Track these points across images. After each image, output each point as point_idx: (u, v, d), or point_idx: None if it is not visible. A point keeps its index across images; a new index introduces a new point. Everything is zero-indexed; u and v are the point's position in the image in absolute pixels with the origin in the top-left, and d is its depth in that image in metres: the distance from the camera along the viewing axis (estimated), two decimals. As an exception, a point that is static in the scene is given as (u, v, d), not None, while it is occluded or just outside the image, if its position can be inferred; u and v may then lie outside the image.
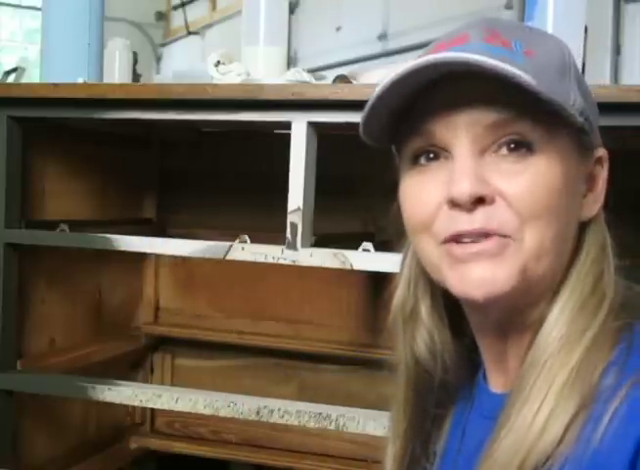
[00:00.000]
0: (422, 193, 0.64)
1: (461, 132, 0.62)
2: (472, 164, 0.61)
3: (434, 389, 0.75)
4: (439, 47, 0.64)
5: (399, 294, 0.75)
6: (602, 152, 0.68)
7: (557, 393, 0.59)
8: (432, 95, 0.62)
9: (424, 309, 0.73)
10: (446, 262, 0.63)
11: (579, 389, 0.59)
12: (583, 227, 0.67)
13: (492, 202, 0.61)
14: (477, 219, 0.61)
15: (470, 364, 0.75)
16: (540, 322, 0.64)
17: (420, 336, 0.73)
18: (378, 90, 0.62)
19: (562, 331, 0.62)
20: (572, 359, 0.60)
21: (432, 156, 0.64)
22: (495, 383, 0.72)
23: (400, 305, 0.75)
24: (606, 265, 0.66)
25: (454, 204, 0.61)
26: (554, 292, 0.65)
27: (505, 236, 0.61)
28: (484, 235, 0.61)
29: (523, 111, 0.60)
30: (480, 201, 0.61)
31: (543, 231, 0.61)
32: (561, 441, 0.57)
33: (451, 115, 0.62)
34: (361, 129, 0.66)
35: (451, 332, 0.73)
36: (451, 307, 0.73)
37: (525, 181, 0.61)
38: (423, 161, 0.65)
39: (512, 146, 0.61)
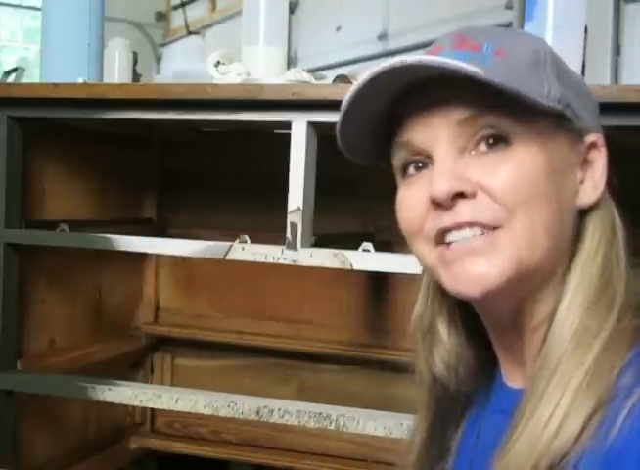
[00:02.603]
0: (411, 200, 0.66)
1: (436, 133, 0.63)
2: (450, 163, 0.62)
3: (451, 399, 0.76)
4: None
5: (417, 309, 0.77)
6: (595, 137, 0.67)
7: (572, 393, 0.59)
8: (406, 104, 0.64)
9: (440, 324, 0.74)
10: (440, 264, 0.65)
11: (595, 390, 0.59)
12: (585, 215, 0.66)
13: (474, 196, 0.62)
14: (461, 213, 0.62)
15: (487, 366, 0.75)
16: (551, 318, 0.64)
17: (437, 351, 0.74)
18: (344, 104, 0.63)
19: (572, 329, 0.62)
20: (587, 360, 0.60)
21: (420, 165, 0.66)
22: (512, 378, 0.72)
23: (418, 319, 0.76)
24: (614, 256, 0.65)
25: (436, 203, 0.62)
26: (560, 282, 0.65)
27: (495, 227, 0.62)
28: (470, 225, 0.62)
29: (491, 104, 0.61)
30: (460, 196, 0.62)
31: (533, 216, 0.61)
32: (576, 441, 0.58)
33: (425, 118, 0.63)
34: (339, 140, 0.67)
35: (467, 339, 0.74)
36: (466, 313, 0.73)
37: (504, 173, 0.61)
38: (411, 171, 0.66)
39: (490, 141, 0.62)
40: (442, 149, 0.63)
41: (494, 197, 0.61)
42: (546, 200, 0.62)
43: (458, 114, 0.62)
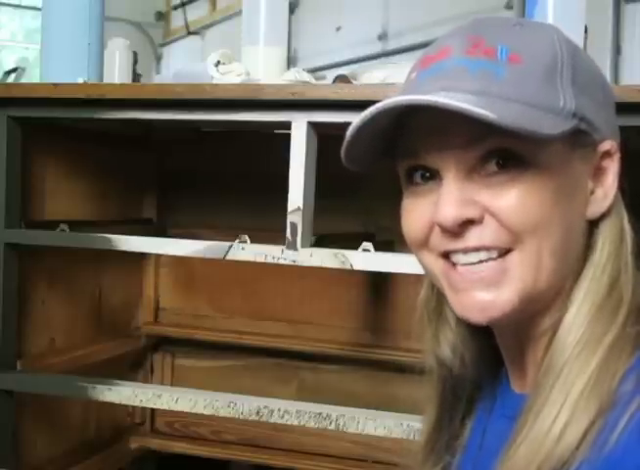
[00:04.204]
0: (416, 214, 0.65)
1: (444, 154, 0.61)
2: (457, 187, 0.61)
3: (457, 385, 0.76)
4: (425, 61, 0.64)
5: (423, 293, 0.76)
6: (609, 145, 0.64)
7: (575, 400, 0.59)
8: (416, 115, 0.62)
9: (449, 310, 0.73)
10: (448, 285, 0.65)
11: (598, 396, 0.58)
12: (596, 224, 0.65)
13: (481, 221, 0.61)
14: (468, 239, 0.61)
15: (492, 361, 0.75)
16: (556, 326, 0.63)
17: (443, 333, 0.74)
18: (352, 128, 0.61)
19: (578, 335, 0.61)
20: (591, 366, 0.60)
21: (427, 175, 0.64)
22: (516, 383, 0.72)
23: (424, 303, 0.76)
24: (623, 263, 0.64)
25: (442, 228, 0.62)
26: (568, 294, 0.64)
27: (501, 253, 0.61)
28: (477, 250, 0.61)
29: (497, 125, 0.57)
30: (469, 222, 0.61)
31: (540, 243, 0.60)
32: (578, 447, 0.57)
33: (433, 137, 0.62)
34: (344, 157, 0.65)
35: (473, 330, 0.74)
36: None
37: (513, 197, 0.60)
38: (418, 179, 0.65)
39: (500, 162, 0.60)
40: (450, 170, 0.61)
41: (502, 222, 0.60)
42: (556, 224, 0.61)
43: (463, 134, 0.60)
